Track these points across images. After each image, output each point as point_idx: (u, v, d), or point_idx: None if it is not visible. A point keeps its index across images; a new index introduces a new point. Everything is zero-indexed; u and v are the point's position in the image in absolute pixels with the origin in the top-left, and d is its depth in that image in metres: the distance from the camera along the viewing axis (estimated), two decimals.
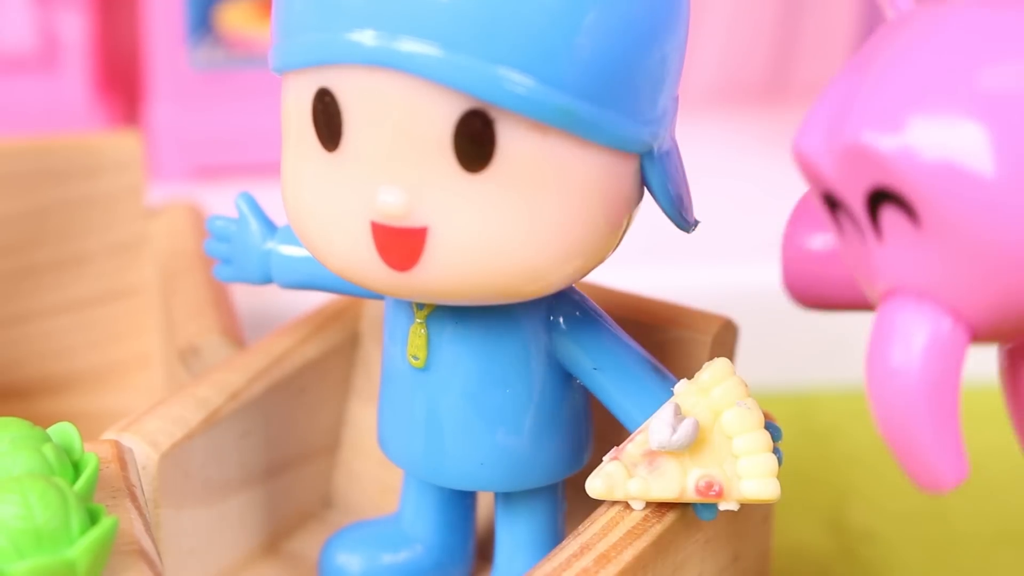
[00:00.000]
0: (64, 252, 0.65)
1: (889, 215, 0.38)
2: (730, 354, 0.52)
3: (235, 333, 0.59)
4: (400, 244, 0.43)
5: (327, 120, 0.43)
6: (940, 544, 0.61)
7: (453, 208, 0.42)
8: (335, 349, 0.55)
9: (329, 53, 0.42)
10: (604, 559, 0.43)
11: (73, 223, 0.64)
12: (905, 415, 0.38)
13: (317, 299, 0.56)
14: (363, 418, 0.56)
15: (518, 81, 0.41)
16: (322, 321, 0.55)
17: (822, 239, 0.47)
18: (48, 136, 0.65)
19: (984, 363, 0.46)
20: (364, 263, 0.43)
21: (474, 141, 0.42)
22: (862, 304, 0.48)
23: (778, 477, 0.44)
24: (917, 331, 0.38)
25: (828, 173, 0.39)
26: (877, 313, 0.39)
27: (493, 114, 0.41)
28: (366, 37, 0.41)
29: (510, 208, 0.42)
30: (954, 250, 0.37)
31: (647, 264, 0.69)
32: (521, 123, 0.42)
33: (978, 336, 0.38)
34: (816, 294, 0.48)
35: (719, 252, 0.69)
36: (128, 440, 0.48)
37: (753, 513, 0.49)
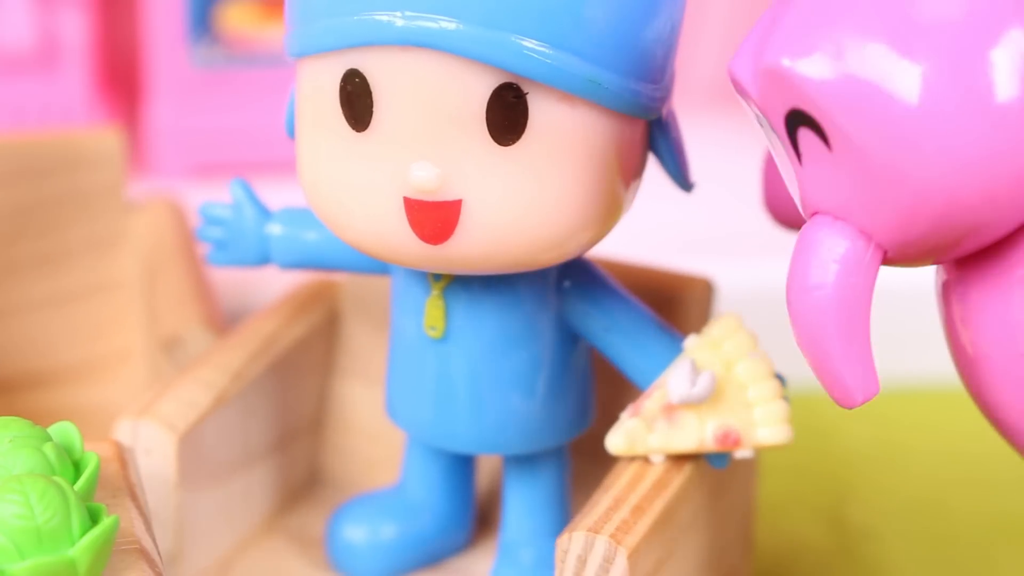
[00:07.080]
0: (45, 247, 0.64)
1: (805, 138, 0.39)
2: (707, 313, 0.53)
3: (217, 323, 0.59)
4: (434, 218, 0.43)
5: (357, 100, 0.43)
6: (940, 541, 0.61)
7: (486, 180, 0.43)
8: (317, 328, 0.56)
9: (359, 35, 0.43)
10: (639, 511, 0.44)
11: (54, 218, 0.64)
12: (818, 328, 0.39)
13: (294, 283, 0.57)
14: (348, 394, 0.57)
15: (548, 53, 0.42)
16: (302, 301, 0.56)
17: None
18: (29, 132, 0.64)
19: None
20: (395, 237, 0.44)
21: (507, 114, 0.42)
22: None
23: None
24: (832, 249, 0.39)
25: (754, 95, 0.40)
26: (800, 232, 0.40)
27: (525, 87, 0.42)
28: (396, 17, 0.42)
29: (540, 178, 0.43)
30: (860, 174, 0.38)
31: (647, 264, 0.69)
32: (551, 95, 0.42)
33: (890, 258, 0.40)
34: (792, 216, 0.49)
35: (719, 251, 0.69)
36: (146, 424, 0.49)
37: (740, 465, 0.50)
